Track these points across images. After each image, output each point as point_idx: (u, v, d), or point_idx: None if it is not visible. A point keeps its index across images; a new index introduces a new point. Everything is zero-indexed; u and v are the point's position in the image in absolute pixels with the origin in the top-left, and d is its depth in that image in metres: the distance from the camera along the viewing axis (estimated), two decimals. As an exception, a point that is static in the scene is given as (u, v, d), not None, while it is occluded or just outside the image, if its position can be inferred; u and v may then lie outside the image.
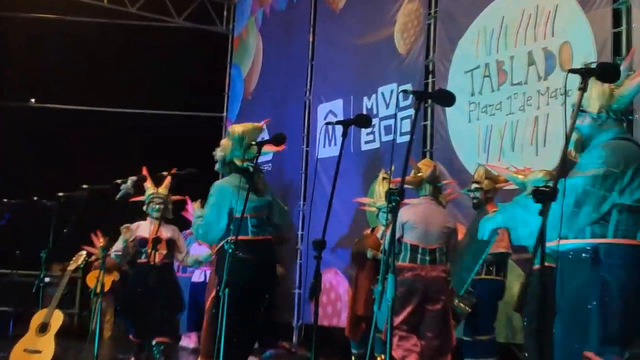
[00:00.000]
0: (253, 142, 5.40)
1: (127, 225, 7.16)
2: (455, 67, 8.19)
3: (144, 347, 7.04)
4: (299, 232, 10.35)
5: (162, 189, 7.19)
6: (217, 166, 5.57)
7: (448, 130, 8.14)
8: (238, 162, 5.39)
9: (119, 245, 7.15)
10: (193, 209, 6.57)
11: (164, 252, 7.12)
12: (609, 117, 3.54)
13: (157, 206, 7.21)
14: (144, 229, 7.25)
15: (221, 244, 5.25)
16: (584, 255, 3.39)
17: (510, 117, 7.55)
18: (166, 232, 7.20)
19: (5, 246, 8.97)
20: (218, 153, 5.53)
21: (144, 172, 7.04)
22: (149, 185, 7.23)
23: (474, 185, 6.37)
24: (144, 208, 7.31)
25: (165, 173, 6.64)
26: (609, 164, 3.36)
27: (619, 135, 3.53)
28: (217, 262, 5.30)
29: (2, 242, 8.72)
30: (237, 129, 5.53)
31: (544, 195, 3.16)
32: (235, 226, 4.98)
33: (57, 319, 6.69)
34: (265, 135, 5.70)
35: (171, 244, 7.28)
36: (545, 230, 2.97)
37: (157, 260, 6.67)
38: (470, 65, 8.04)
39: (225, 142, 5.51)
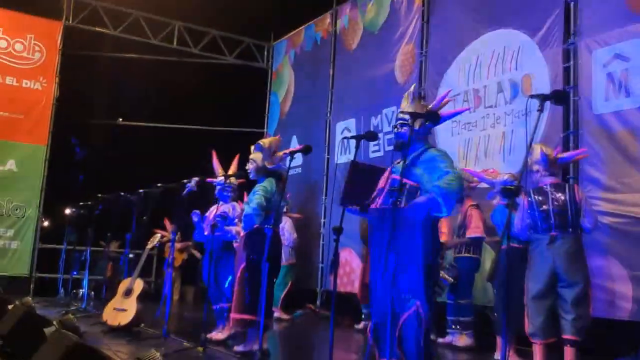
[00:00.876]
0: (286, 151, 5.43)
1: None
2: (442, 94, 8.17)
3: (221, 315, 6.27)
4: (322, 220, 10.35)
5: (233, 179, 6.54)
6: (251, 175, 5.53)
7: (437, 142, 8.12)
8: (269, 166, 5.41)
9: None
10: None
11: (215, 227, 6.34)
12: (424, 133, 4.01)
13: (229, 194, 6.56)
14: (211, 211, 6.61)
15: (253, 228, 5.24)
16: None
17: (484, 132, 7.52)
18: (223, 209, 6.44)
19: (99, 230, 9.05)
20: (250, 165, 5.49)
21: (214, 155, 6.68)
22: (220, 171, 6.57)
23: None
24: (216, 193, 6.51)
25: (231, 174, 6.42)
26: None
27: (427, 145, 3.98)
28: (247, 241, 5.26)
29: (97, 226, 8.81)
30: (265, 141, 5.54)
31: (511, 192, 3.18)
32: (274, 218, 5.02)
33: (139, 285, 6.70)
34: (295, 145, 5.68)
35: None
36: (511, 220, 2.99)
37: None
38: (453, 92, 8.00)
39: (254, 155, 5.47)
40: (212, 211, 6.49)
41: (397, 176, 3.76)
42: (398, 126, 3.98)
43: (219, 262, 6.29)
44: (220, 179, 6.44)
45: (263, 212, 5.18)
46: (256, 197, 5.23)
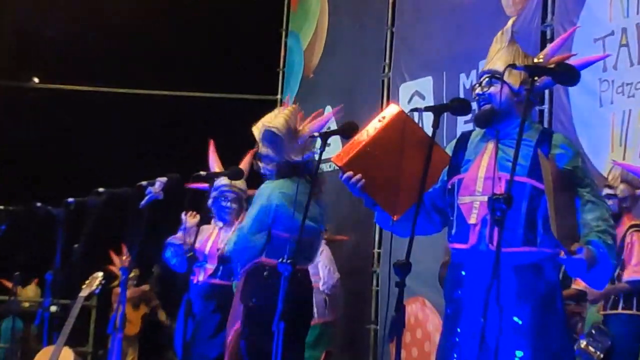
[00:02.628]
0: (316, 134, 5.43)
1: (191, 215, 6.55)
2: (581, 34, 8.08)
3: None
4: (375, 250, 10.33)
5: (240, 182, 6.58)
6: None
7: (572, 116, 8.04)
8: (296, 158, 5.39)
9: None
10: None
11: (212, 267, 6.50)
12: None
13: (229, 204, 6.63)
14: (204, 235, 6.56)
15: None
16: None
17: (656, 100, 7.46)
18: (224, 238, 6.44)
19: (2, 264, 9.14)
20: (266, 166, 5.44)
21: (211, 146, 6.77)
22: (217, 170, 6.56)
23: (606, 191, 6.27)
24: (209, 204, 6.57)
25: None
26: None
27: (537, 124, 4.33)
28: (248, 284, 5.29)
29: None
30: (277, 122, 5.47)
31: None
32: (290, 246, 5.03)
33: (67, 357, 6.77)
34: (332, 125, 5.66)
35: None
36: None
37: (201, 278, 6.46)
38: (601, 31, 7.93)
39: (265, 149, 5.43)
40: (214, 237, 6.55)
41: (525, 178, 3.82)
42: (484, 83, 3.92)
43: (204, 323, 6.34)
44: (212, 180, 6.13)
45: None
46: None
